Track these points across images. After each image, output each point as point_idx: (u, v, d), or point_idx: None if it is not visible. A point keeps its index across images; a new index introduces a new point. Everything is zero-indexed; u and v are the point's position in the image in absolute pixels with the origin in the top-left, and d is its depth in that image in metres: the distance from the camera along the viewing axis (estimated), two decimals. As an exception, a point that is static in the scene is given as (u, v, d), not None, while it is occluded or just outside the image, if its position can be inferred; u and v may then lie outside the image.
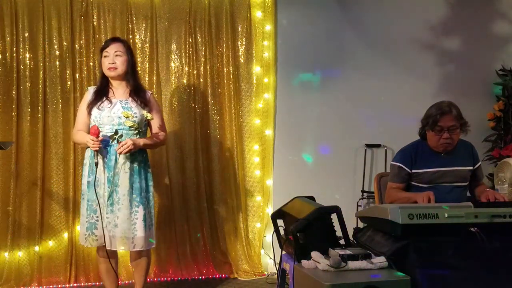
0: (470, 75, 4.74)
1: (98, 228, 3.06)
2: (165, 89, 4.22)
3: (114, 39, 3.27)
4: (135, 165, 3.13)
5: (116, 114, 3.10)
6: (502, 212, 2.41)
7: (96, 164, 3.01)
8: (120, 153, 3.03)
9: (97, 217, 3.07)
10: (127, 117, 3.07)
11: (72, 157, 3.98)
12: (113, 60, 3.14)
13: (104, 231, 3.04)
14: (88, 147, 3.10)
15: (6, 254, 3.90)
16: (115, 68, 3.15)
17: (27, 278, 3.91)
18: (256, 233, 4.35)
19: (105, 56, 3.17)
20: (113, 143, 3.04)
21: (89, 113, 3.13)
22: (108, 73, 3.17)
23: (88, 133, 3.14)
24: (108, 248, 3.08)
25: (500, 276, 2.34)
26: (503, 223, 2.39)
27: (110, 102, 3.14)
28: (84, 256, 4.00)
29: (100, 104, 3.12)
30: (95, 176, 3.03)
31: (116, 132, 3.03)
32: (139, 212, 3.11)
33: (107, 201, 3.05)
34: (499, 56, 4.80)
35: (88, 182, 3.10)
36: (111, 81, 3.22)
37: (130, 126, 3.08)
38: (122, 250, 3.19)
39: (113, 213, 3.06)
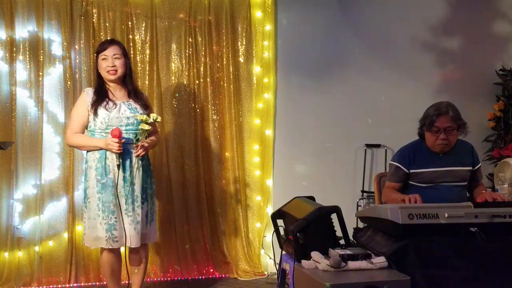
0: (470, 75, 4.75)
1: (118, 228, 3.06)
2: (165, 89, 4.22)
3: (111, 42, 3.24)
4: (144, 163, 3.18)
5: (124, 115, 3.11)
6: (502, 212, 2.41)
7: (119, 166, 3.03)
8: (138, 156, 3.08)
9: (115, 218, 3.06)
10: (143, 121, 3.07)
11: (72, 157, 3.98)
12: (112, 63, 3.14)
13: (125, 230, 3.05)
14: (94, 150, 3.09)
15: (6, 254, 3.90)
16: (116, 71, 3.15)
17: (27, 278, 3.91)
18: (256, 233, 4.35)
19: (103, 59, 3.15)
20: (134, 145, 3.08)
21: (95, 114, 3.10)
22: (108, 77, 3.16)
23: (83, 134, 3.18)
24: (134, 246, 3.09)
25: (500, 276, 2.34)
26: (503, 223, 2.39)
27: (114, 103, 3.14)
28: (84, 256, 4.00)
29: (106, 105, 3.12)
30: (117, 176, 3.04)
31: (136, 135, 3.09)
32: (144, 208, 3.15)
33: (127, 201, 3.07)
34: (499, 56, 4.80)
35: (103, 184, 3.07)
36: (108, 83, 3.21)
37: (146, 130, 3.09)
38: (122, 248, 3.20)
39: (134, 211, 3.09)
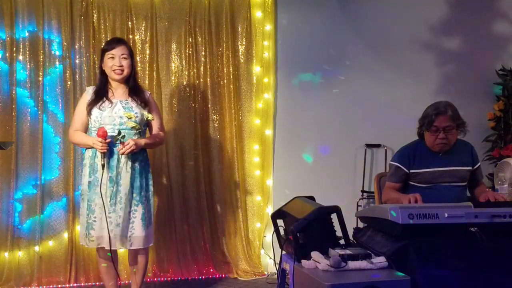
0: (470, 75, 4.75)
1: (95, 228, 3.06)
2: (165, 89, 4.22)
3: (119, 41, 3.24)
4: (137, 164, 3.14)
5: (117, 114, 3.10)
6: (502, 212, 2.41)
7: (103, 166, 3.01)
8: (122, 154, 3.04)
9: (95, 217, 3.06)
10: (129, 118, 3.07)
11: (72, 157, 3.99)
12: (119, 62, 3.14)
13: (108, 231, 3.03)
14: (88, 148, 3.12)
15: (6, 254, 3.90)
16: (122, 71, 3.16)
17: (27, 278, 3.91)
18: (256, 233, 4.35)
19: (110, 58, 3.15)
20: (116, 143, 3.05)
21: (89, 113, 3.12)
22: (114, 76, 3.17)
23: (86, 133, 3.19)
24: (114, 248, 3.09)
25: (500, 276, 2.34)
26: (503, 223, 2.39)
27: (111, 102, 3.14)
28: (84, 256, 4.00)
29: (100, 104, 3.12)
30: (101, 176, 3.02)
31: (119, 133, 3.05)
32: (138, 211, 3.12)
33: (110, 201, 3.06)
34: (499, 56, 4.80)
35: (89, 182, 3.09)
36: (111, 81, 3.21)
37: (132, 127, 3.08)
38: (121, 249, 3.20)
39: (116, 213, 3.07)
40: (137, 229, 3.11)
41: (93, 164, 3.09)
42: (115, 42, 3.22)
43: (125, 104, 3.15)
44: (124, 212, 3.07)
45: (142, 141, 3.14)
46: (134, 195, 3.12)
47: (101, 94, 3.16)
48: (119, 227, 3.06)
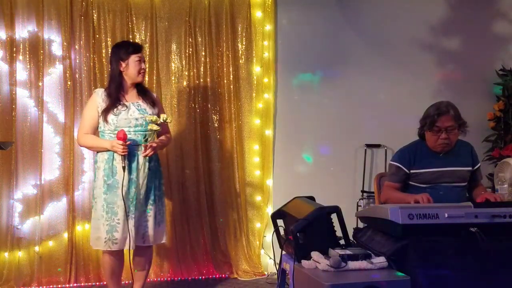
0: (470, 75, 4.75)
1: (119, 230, 3.05)
2: (165, 89, 4.22)
3: (141, 46, 3.34)
4: (152, 164, 3.18)
5: (133, 116, 3.12)
6: (502, 212, 2.41)
7: (124, 168, 3.02)
8: (146, 156, 3.08)
9: (118, 219, 3.05)
10: (153, 122, 3.09)
11: (72, 157, 3.98)
12: (144, 66, 3.24)
13: (129, 232, 3.04)
14: (103, 151, 3.11)
15: (6, 254, 3.90)
16: (144, 74, 3.26)
17: (27, 278, 3.91)
18: (256, 233, 4.35)
19: (138, 61, 3.19)
20: (142, 146, 3.08)
21: (105, 120, 3.11)
22: (139, 79, 3.22)
23: (94, 134, 3.20)
24: (136, 245, 3.12)
25: (500, 276, 2.34)
26: (503, 223, 2.39)
27: (124, 105, 3.16)
28: (84, 256, 4.00)
29: (115, 110, 3.12)
30: (123, 178, 3.03)
31: (144, 136, 3.10)
32: (152, 210, 3.17)
33: (131, 203, 3.07)
34: (499, 56, 4.80)
35: (108, 185, 3.08)
36: (124, 84, 3.21)
37: (155, 130, 3.11)
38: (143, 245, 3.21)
39: (139, 213, 3.11)
40: (150, 228, 3.16)
41: (112, 167, 3.08)
42: (138, 46, 3.29)
43: (138, 106, 3.18)
44: (140, 212, 3.11)
45: (159, 143, 3.21)
46: (149, 194, 3.16)
47: (116, 97, 3.16)
48: (142, 226, 3.13)
